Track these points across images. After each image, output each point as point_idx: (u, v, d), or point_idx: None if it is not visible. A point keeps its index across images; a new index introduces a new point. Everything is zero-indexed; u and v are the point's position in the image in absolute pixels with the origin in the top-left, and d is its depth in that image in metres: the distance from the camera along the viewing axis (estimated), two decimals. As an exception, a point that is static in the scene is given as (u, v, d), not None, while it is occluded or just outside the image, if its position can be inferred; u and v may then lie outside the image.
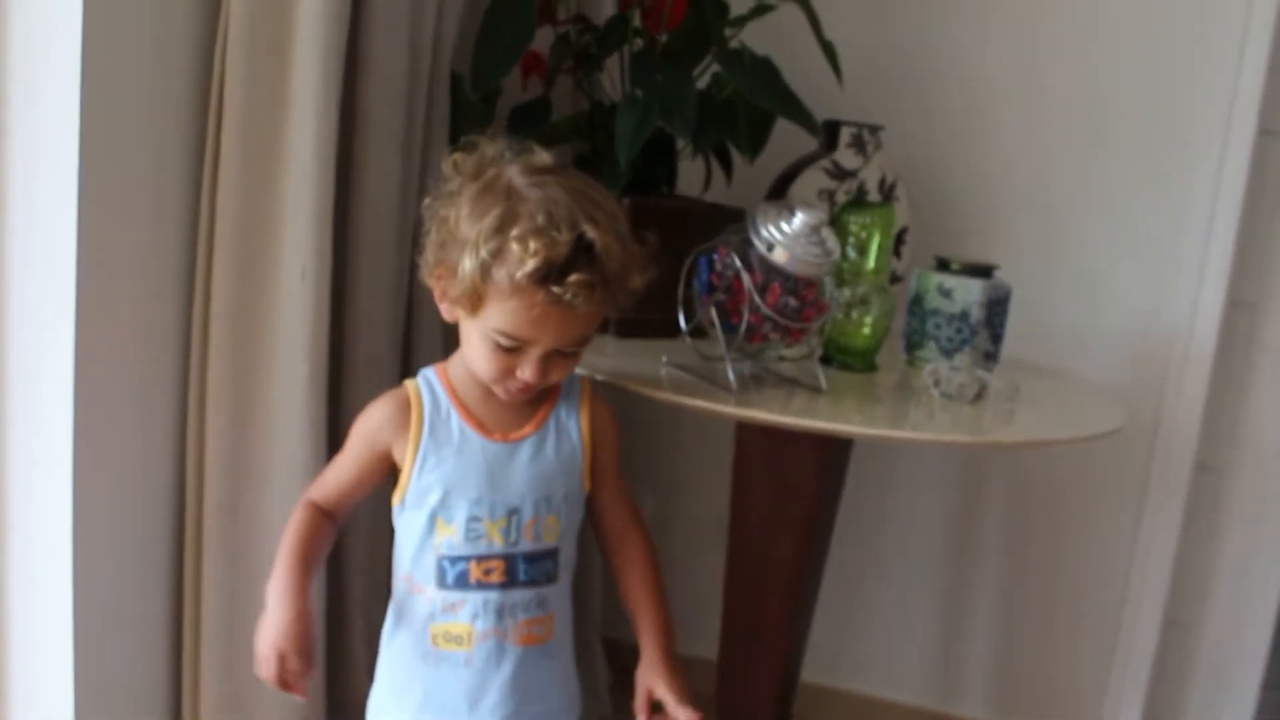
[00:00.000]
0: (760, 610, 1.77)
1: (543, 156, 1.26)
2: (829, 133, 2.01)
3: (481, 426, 1.31)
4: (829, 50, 1.90)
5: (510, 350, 1.23)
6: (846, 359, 1.77)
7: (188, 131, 1.59)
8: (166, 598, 1.68)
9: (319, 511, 1.34)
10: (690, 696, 1.38)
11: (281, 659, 1.22)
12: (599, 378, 1.56)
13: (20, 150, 1.45)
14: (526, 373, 1.24)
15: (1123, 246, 2.21)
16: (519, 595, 1.32)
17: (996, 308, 1.84)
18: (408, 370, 1.87)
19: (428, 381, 1.33)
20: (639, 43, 1.84)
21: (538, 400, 1.34)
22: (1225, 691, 2.41)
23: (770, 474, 1.70)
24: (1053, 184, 2.22)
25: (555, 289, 1.17)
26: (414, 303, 1.86)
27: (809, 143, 2.03)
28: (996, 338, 1.85)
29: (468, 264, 1.18)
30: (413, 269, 1.82)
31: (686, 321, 1.64)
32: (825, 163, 2.02)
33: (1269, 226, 2.21)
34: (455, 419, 1.30)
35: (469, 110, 1.85)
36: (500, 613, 1.31)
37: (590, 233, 1.18)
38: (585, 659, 2.40)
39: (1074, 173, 2.21)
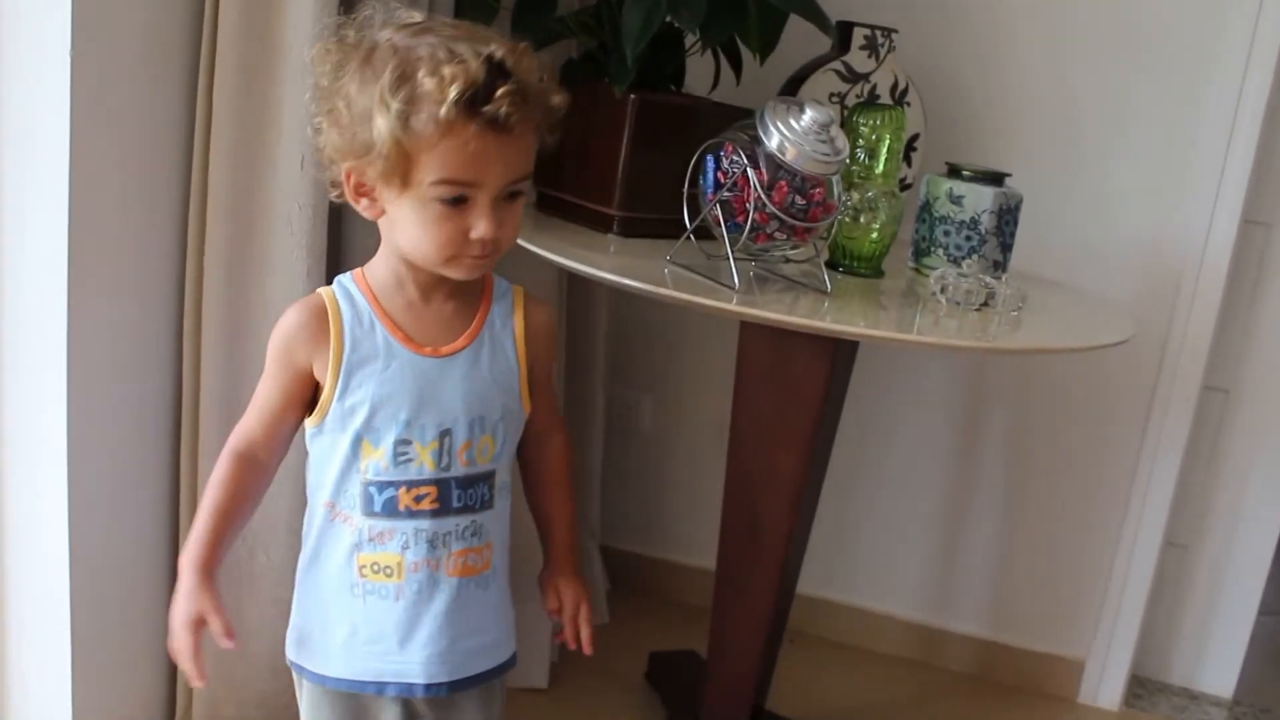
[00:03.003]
0: (760, 519, 1.76)
1: (412, 14, 1.16)
2: (841, 34, 1.97)
3: (410, 339, 1.19)
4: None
5: (456, 206, 1.10)
6: (853, 264, 1.75)
7: (178, 105, 1.57)
8: (164, 593, 1.66)
9: (241, 460, 1.22)
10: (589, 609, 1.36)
11: (197, 623, 1.16)
12: (605, 276, 1.54)
13: (8, 133, 1.41)
14: (481, 227, 1.11)
15: (1138, 161, 2.17)
16: (452, 523, 1.21)
17: (1007, 216, 1.80)
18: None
19: (345, 289, 1.20)
20: (649, -66, 1.79)
21: (469, 310, 1.23)
22: (1221, 615, 2.42)
23: (773, 379, 1.68)
24: (1069, 94, 2.18)
25: (486, 109, 1.06)
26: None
27: (820, 45, 1.99)
28: (1006, 247, 1.82)
29: (381, 124, 1.06)
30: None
31: (691, 220, 1.61)
32: (837, 65, 1.98)
33: (1288, 144, 2.16)
34: (380, 331, 1.18)
35: (473, 3, 1.80)
36: (432, 542, 1.20)
37: (497, 50, 1.09)
38: (585, 567, 2.41)
39: (1091, 84, 2.16)
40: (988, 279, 1.66)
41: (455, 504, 1.21)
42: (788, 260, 1.68)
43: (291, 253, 1.58)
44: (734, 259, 1.53)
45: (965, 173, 1.82)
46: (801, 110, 1.52)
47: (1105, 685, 2.37)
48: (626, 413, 2.53)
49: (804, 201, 1.54)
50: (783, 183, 1.52)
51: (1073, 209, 2.20)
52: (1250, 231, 2.20)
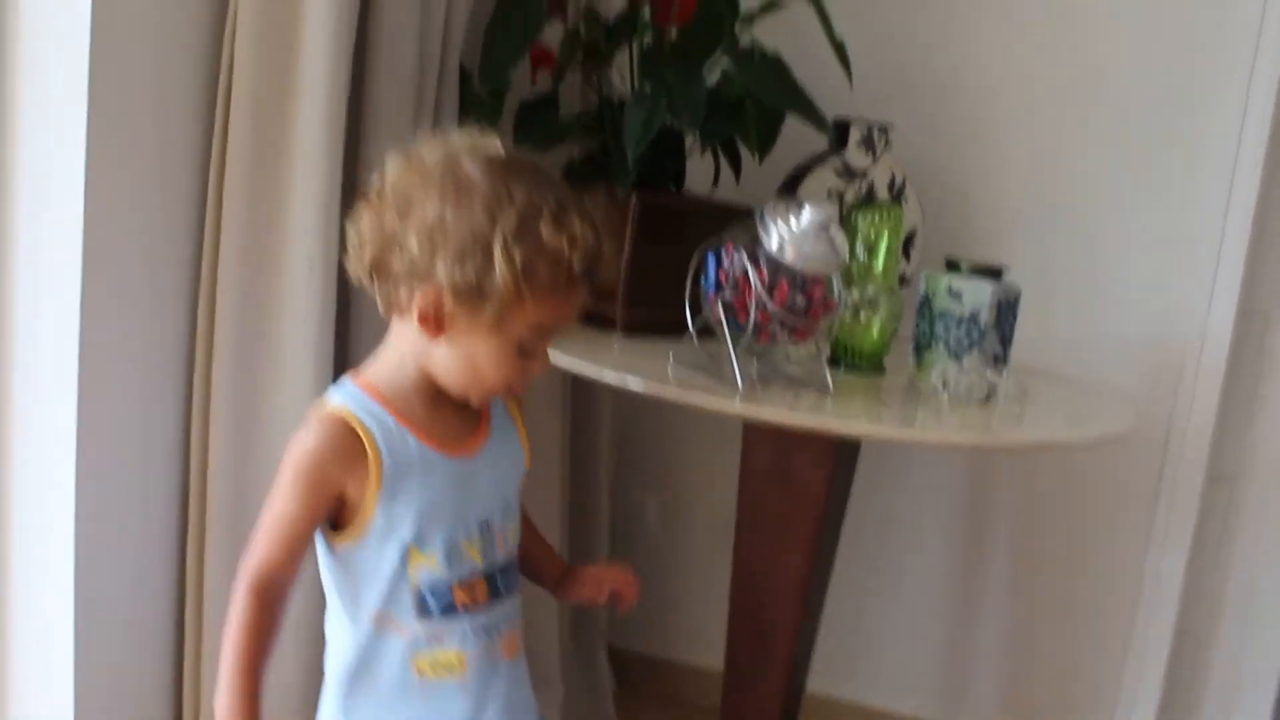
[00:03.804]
0: (766, 618, 1.75)
1: (493, 142, 1.16)
2: (838, 131, 2.00)
3: (438, 443, 1.18)
4: (839, 48, 1.89)
5: (527, 351, 1.15)
6: (854, 361, 1.76)
7: (195, 121, 1.58)
8: (169, 596, 1.67)
9: (266, 597, 1.17)
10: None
11: None
12: (607, 378, 1.54)
13: (28, 138, 1.45)
14: (538, 367, 1.17)
15: (1134, 252, 2.18)
16: (501, 609, 1.24)
17: (1006, 310, 1.81)
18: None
19: (360, 403, 1.17)
20: (648, 38, 1.83)
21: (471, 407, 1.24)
22: (1238, 707, 2.38)
23: (777, 477, 1.68)
24: (1064, 187, 2.20)
25: (595, 274, 1.14)
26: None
27: (818, 142, 2.01)
28: (1006, 341, 1.83)
29: (503, 269, 1.07)
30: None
31: (693, 320, 1.62)
32: (834, 162, 2.00)
33: (1283, 234, 2.19)
34: (411, 440, 1.16)
35: (477, 105, 1.84)
36: (488, 630, 1.22)
37: (592, 212, 1.15)
38: (591, 668, 2.39)
39: (1085, 176, 2.19)
40: (989, 374, 1.67)
41: (502, 590, 1.24)
42: (789, 359, 1.69)
43: (305, 249, 1.59)
44: (736, 358, 1.54)
45: (963, 267, 1.83)
46: (801, 210, 1.54)
47: (1121, 780, 2.34)
48: (632, 513, 2.52)
49: (805, 300, 1.55)
50: (784, 282, 1.53)
51: (1072, 301, 2.21)
52: (1249, 321, 2.21)
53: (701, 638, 2.44)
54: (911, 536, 2.40)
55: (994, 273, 1.83)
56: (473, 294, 1.09)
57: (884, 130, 2.03)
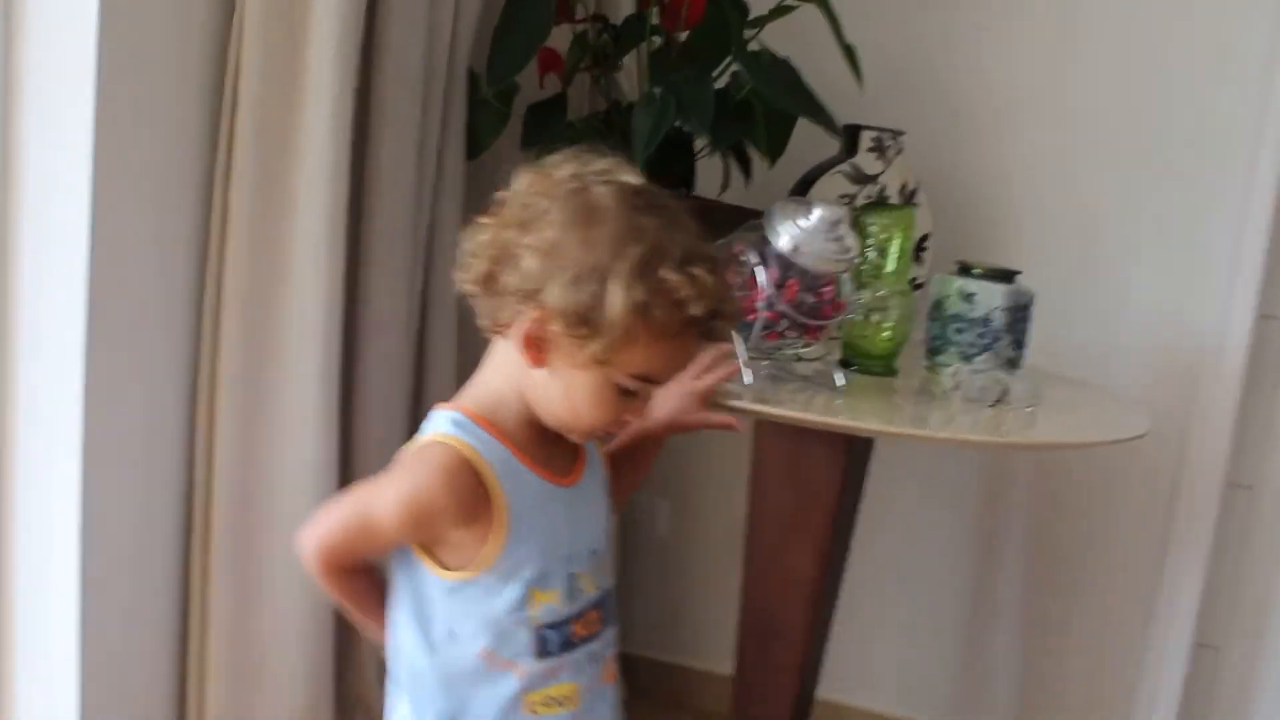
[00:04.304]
0: (777, 621, 1.73)
1: (629, 172, 1.09)
2: (849, 137, 1.99)
3: (551, 473, 1.13)
4: (850, 52, 1.88)
5: (630, 393, 1.07)
6: (866, 363, 1.74)
7: (201, 120, 1.58)
8: (174, 586, 1.66)
9: (343, 571, 1.16)
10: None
11: None
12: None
13: (34, 137, 1.45)
14: (637, 414, 1.11)
15: (1150, 256, 2.17)
16: (607, 635, 1.19)
17: (1019, 313, 1.80)
18: (421, 365, 1.85)
19: (475, 436, 1.09)
20: (657, 41, 1.83)
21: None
22: (1255, 716, 2.35)
23: (789, 478, 1.67)
24: (1078, 192, 2.19)
25: (714, 326, 1.05)
26: (429, 301, 1.85)
27: (829, 148, 2.00)
28: (1019, 344, 1.81)
29: (618, 303, 1.00)
30: (427, 270, 1.81)
31: (702, 319, 1.61)
32: (845, 167, 1.99)
33: (1300, 238, 2.16)
34: (530, 476, 1.10)
35: (485, 108, 1.84)
36: (595, 659, 1.17)
37: (721, 264, 1.07)
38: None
39: (1100, 180, 2.17)
40: (1001, 375, 1.65)
41: (610, 617, 1.20)
42: (800, 359, 1.67)
43: (311, 249, 1.59)
44: (747, 358, 1.53)
45: (976, 271, 1.81)
46: (810, 209, 1.53)
47: (1139, 792, 2.31)
48: (643, 518, 2.51)
49: (815, 300, 1.54)
50: (793, 281, 1.52)
51: (1087, 305, 2.19)
52: (1267, 327, 2.19)
53: (712, 642, 2.42)
54: (925, 541, 2.37)
55: (1007, 276, 1.82)
56: (581, 324, 1.01)
57: (896, 135, 2.02)
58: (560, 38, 1.84)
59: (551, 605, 1.12)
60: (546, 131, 1.81)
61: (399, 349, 1.76)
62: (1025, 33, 2.18)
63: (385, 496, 1.08)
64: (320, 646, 1.66)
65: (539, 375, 1.07)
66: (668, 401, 1.28)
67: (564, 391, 1.07)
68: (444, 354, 1.88)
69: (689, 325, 1.04)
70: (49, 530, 1.52)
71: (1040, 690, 2.36)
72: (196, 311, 1.61)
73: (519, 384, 1.10)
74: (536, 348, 1.05)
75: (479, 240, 1.07)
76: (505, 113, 1.85)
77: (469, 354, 1.98)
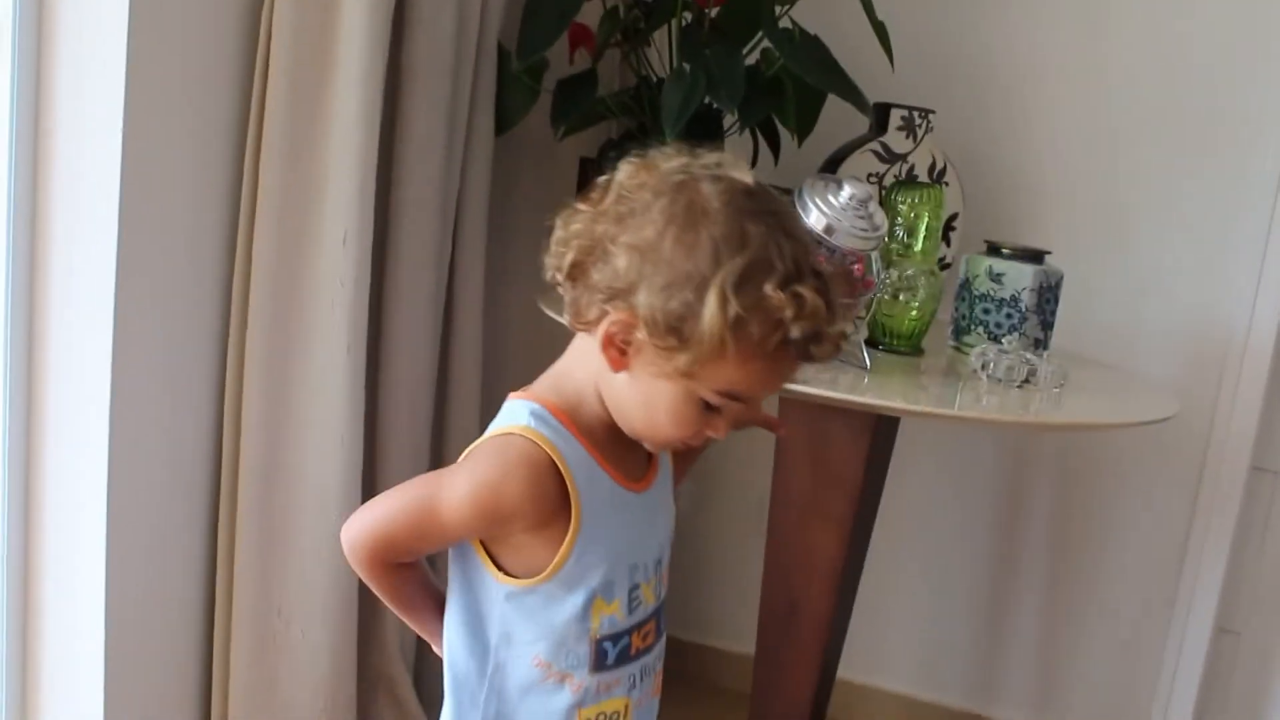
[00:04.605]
0: (799, 601, 1.73)
1: (741, 172, 1.01)
2: (879, 115, 1.98)
3: (624, 477, 1.06)
4: (880, 30, 1.87)
5: (713, 409, 1.00)
6: (893, 343, 1.74)
7: (233, 93, 1.59)
8: (200, 560, 1.67)
9: (390, 567, 1.09)
10: None
11: None
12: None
13: (65, 108, 1.45)
14: (720, 431, 1.02)
15: (1179, 239, 2.15)
16: (659, 646, 1.14)
17: (1048, 294, 1.80)
18: (448, 341, 1.85)
19: (557, 432, 1.01)
20: (688, 17, 1.82)
21: None
22: (1278, 707, 2.35)
23: (813, 457, 1.67)
24: (1108, 172, 2.17)
25: (814, 351, 0.96)
26: (455, 276, 1.85)
27: (858, 126, 2.00)
28: (1047, 325, 1.81)
29: (713, 316, 0.92)
30: (455, 245, 1.82)
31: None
32: (874, 145, 1.99)
33: (1331, 223, 2.15)
34: (605, 478, 1.04)
35: (515, 83, 1.84)
36: (647, 672, 1.12)
37: (834, 287, 0.98)
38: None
39: (1130, 161, 2.16)
40: (1029, 355, 1.65)
41: (662, 629, 1.14)
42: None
43: (340, 223, 1.59)
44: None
45: (1005, 251, 1.81)
46: (840, 187, 1.53)
47: (1158, 777, 2.31)
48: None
49: (843, 277, 1.54)
50: (821, 258, 1.51)
51: (1115, 287, 2.18)
52: (1296, 309, 2.17)
53: (734, 622, 2.42)
54: (947, 523, 2.37)
55: (1036, 256, 1.81)
56: (670, 334, 0.94)
57: (925, 114, 2.01)
58: (591, 13, 1.83)
59: (613, 617, 1.06)
60: (576, 107, 1.81)
61: (425, 324, 1.76)
62: (1056, 11, 2.16)
63: (457, 488, 1.00)
64: (344, 621, 1.67)
65: (619, 379, 1.00)
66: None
67: (643, 400, 1.00)
68: (470, 329, 1.88)
69: (787, 346, 0.95)
70: (77, 505, 1.53)
71: (1060, 673, 2.36)
72: (226, 286, 1.61)
73: (598, 382, 1.03)
74: (618, 350, 0.98)
75: (571, 229, 1.00)
76: (535, 88, 1.85)
77: (494, 329, 2.00)
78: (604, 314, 0.97)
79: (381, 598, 1.13)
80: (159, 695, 1.64)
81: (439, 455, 1.89)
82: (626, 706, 1.09)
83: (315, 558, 1.63)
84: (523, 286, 2.00)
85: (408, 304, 1.73)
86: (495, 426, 1.03)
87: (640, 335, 0.95)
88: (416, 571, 1.12)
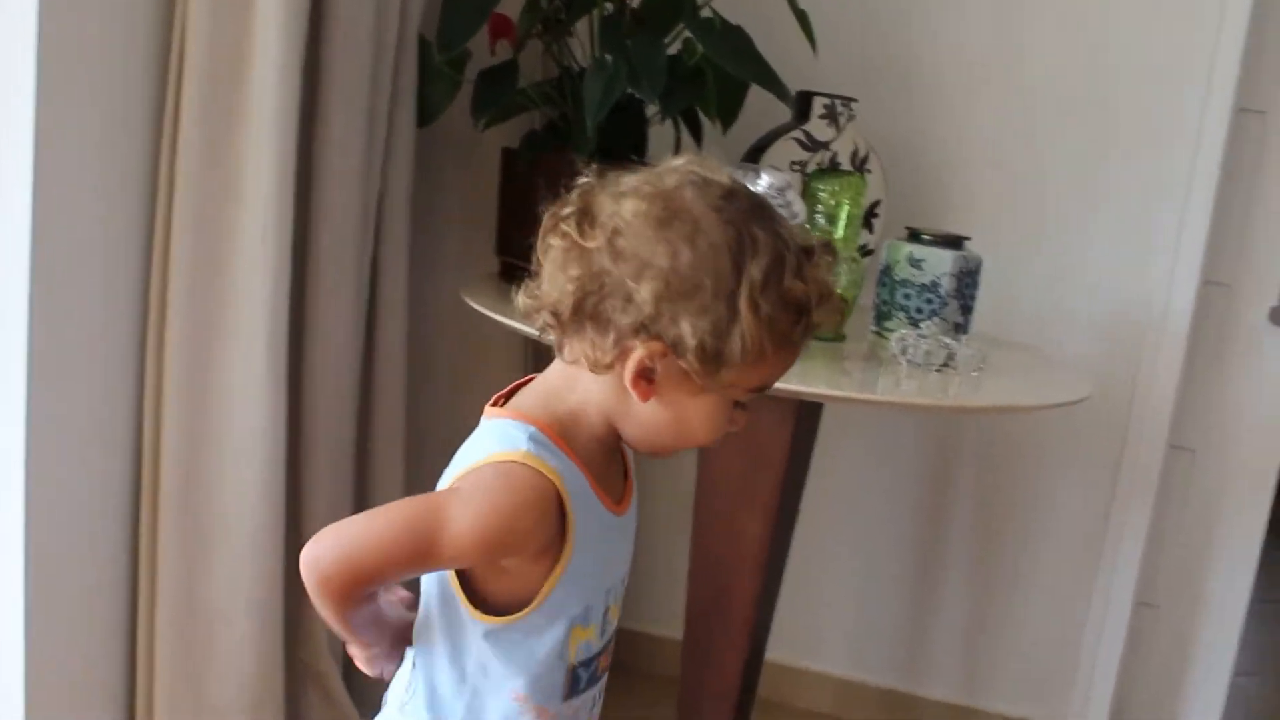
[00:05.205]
0: (726, 587, 1.75)
1: (716, 172, 1.00)
2: (801, 103, 2.00)
3: (611, 501, 1.03)
4: (803, 19, 1.89)
5: (742, 404, 1.00)
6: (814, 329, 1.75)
7: (148, 89, 1.57)
8: (122, 557, 1.66)
9: (351, 598, 0.99)
10: None
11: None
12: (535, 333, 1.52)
13: None
14: (742, 421, 1.01)
15: (1098, 224, 2.19)
16: (607, 667, 1.12)
17: (967, 279, 1.82)
18: (371, 334, 1.85)
19: (557, 459, 0.97)
20: (609, 7, 1.82)
21: (619, 455, 1.08)
22: (1197, 676, 2.40)
23: (738, 444, 1.67)
24: (1028, 161, 2.21)
25: (820, 317, 0.97)
26: (378, 270, 1.84)
27: (782, 114, 2.01)
28: (966, 309, 1.84)
29: (750, 326, 0.92)
30: (377, 239, 1.81)
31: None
32: (798, 133, 2.00)
33: (1245, 205, 2.20)
34: (596, 504, 1.00)
35: (436, 75, 1.83)
36: (600, 694, 1.11)
37: (822, 250, 0.98)
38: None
39: (1049, 150, 2.19)
40: (947, 340, 1.68)
41: (611, 650, 1.11)
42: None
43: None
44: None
45: (925, 237, 1.84)
46: (757, 175, 1.53)
47: (1082, 749, 2.36)
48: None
49: (763, 266, 1.55)
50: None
51: (1037, 273, 2.22)
52: (1211, 293, 2.22)
53: (662, 609, 2.44)
54: (874, 505, 2.40)
55: (955, 241, 1.84)
56: (714, 354, 0.93)
57: (848, 103, 2.03)
58: (512, 4, 1.83)
59: (589, 642, 1.04)
60: (497, 98, 1.81)
61: (348, 318, 1.75)
62: (978, 4, 2.19)
63: (463, 517, 0.93)
64: (270, 616, 1.66)
65: (645, 407, 0.97)
66: None
67: (675, 418, 0.98)
68: (394, 323, 1.87)
69: (810, 329, 0.96)
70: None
71: (987, 651, 2.40)
72: (144, 282, 1.60)
73: (608, 412, 0.99)
74: (648, 380, 0.96)
75: (569, 271, 0.95)
76: (457, 80, 1.84)
77: (419, 322, 1.99)
78: (626, 350, 0.94)
79: (328, 620, 1.03)
80: (81, 693, 1.63)
81: (364, 451, 1.88)
82: None
83: (238, 553, 1.62)
84: (448, 278, 2.00)
85: (330, 299, 1.72)
86: (489, 450, 0.97)
87: (677, 362, 0.93)
88: (373, 603, 1.05)
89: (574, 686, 1.04)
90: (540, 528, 0.94)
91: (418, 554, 0.95)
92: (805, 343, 0.98)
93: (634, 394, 0.96)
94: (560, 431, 0.98)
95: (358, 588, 0.98)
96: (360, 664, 1.10)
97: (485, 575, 0.99)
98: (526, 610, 0.98)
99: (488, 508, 0.93)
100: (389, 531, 0.97)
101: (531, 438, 0.96)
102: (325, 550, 0.97)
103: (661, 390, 0.96)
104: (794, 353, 0.98)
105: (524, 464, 0.94)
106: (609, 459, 1.03)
